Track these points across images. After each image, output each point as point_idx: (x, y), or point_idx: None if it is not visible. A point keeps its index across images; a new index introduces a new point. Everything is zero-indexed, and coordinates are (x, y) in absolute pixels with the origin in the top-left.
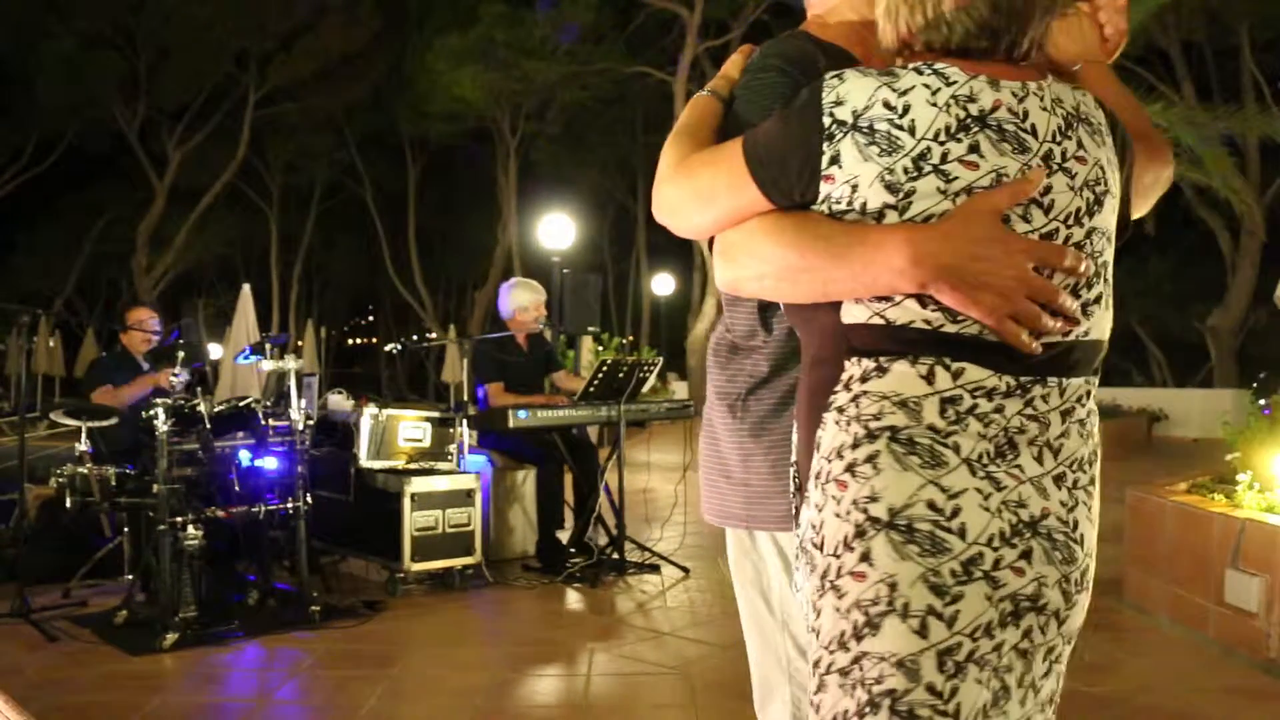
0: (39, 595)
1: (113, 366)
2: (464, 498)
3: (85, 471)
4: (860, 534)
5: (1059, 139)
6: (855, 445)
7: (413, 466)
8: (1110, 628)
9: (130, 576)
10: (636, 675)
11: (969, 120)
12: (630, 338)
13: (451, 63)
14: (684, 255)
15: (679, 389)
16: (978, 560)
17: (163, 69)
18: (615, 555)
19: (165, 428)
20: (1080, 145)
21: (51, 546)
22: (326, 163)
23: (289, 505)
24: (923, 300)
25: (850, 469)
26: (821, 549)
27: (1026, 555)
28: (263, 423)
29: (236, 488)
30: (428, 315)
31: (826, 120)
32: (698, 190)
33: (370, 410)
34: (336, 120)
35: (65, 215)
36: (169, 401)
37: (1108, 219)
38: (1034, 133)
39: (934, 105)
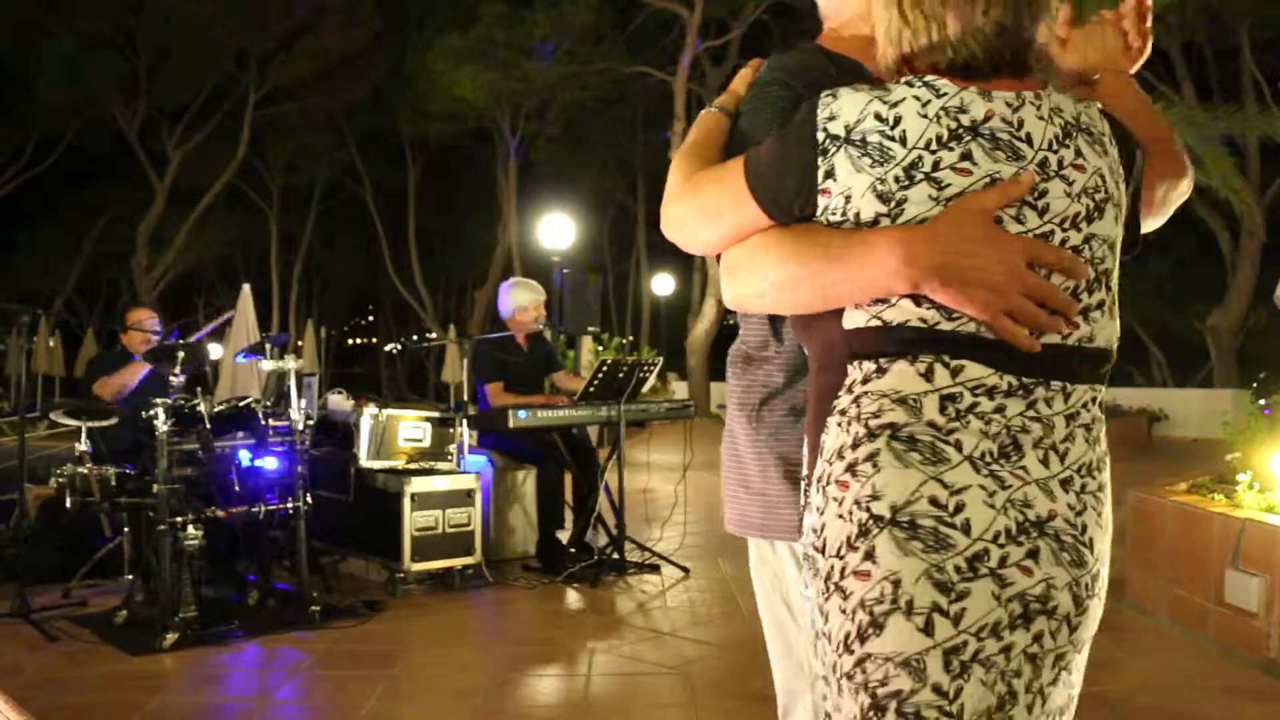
0: (39, 595)
1: (111, 364)
2: (464, 498)
3: (85, 471)
4: (863, 533)
5: (1056, 147)
6: (855, 445)
7: (413, 466)
8: (1110, 627)
9: (130, 576)
10: (636, 675)
11: (960, 130)
12: (630, 338)
13: (451, 63)
14: (684, 255)
15: (679, 389)
16: (983, 557)
17: (163, 69)
18: (615, 555)
19: (165, 428)
20: (1079, 153)
21: (51, 546)
22: (326, 163)
23: (289, 505)
24: (917, 300)
25: (851, 469)
26: (824, 552)
27: (1034, 554)
28: (263, 423)
29: (236, 488)
30: (428, 315)
31: (820, 135)
32: (703, 208)
33: (370, 410)
34: (336, 120)
35: (65, 215)
36: (169, 401)
37: (1109, 227)
38: (1029, 140)
39: (924, 116)
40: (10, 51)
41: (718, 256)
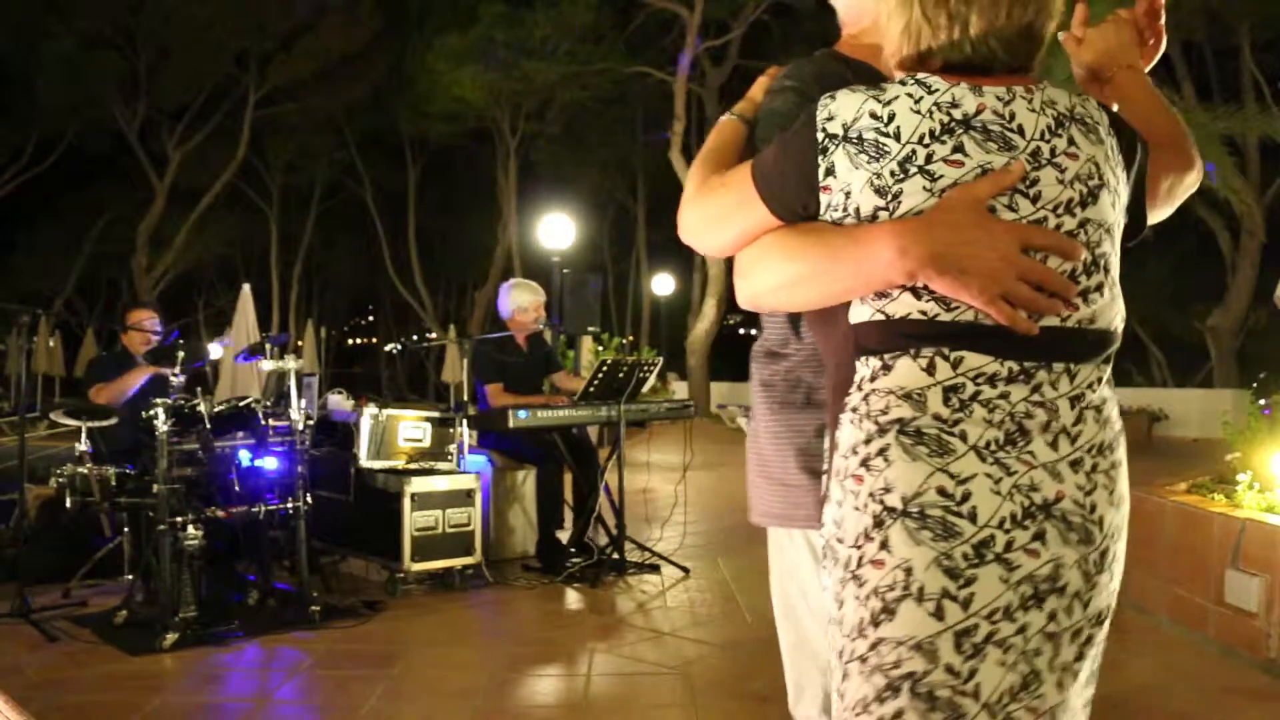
0: (39, 595)
1: (111, 366)
2: (464, 498)
3: (85, 471)
4: (878, 524)
5: (1048, 136)
6: (868, 441)
7: (413, 466)
8: (1110, 628)
9: (130, 576)
10: (636, 675)
11: (952, 123)
12: (630, 338)
13: (451, 63)
14: (684, 255)
15: (679, 389)
16: (989, 543)
17: (163, 69)
18: (615, 555)
19: (165, 428)
20: (1072, 142)
21: (51, 546)
22: (326, 163)
23: (289, 505)
24: (917, 292)
25: (865, 463)
26: (844, 542)
27: (1040, 537)
28: (263, 423)
29: (236, 488)
30: (428, 315)
31: (820, 136)
32: (715, 212)
33: (370, 410)
34: (336, 120)
35: (65, 215)
36: (169, 401)
37: (1103, 212)
38: (1021, 131)
39: (917, 112)
40: (10, 51)
41: (729, 260)
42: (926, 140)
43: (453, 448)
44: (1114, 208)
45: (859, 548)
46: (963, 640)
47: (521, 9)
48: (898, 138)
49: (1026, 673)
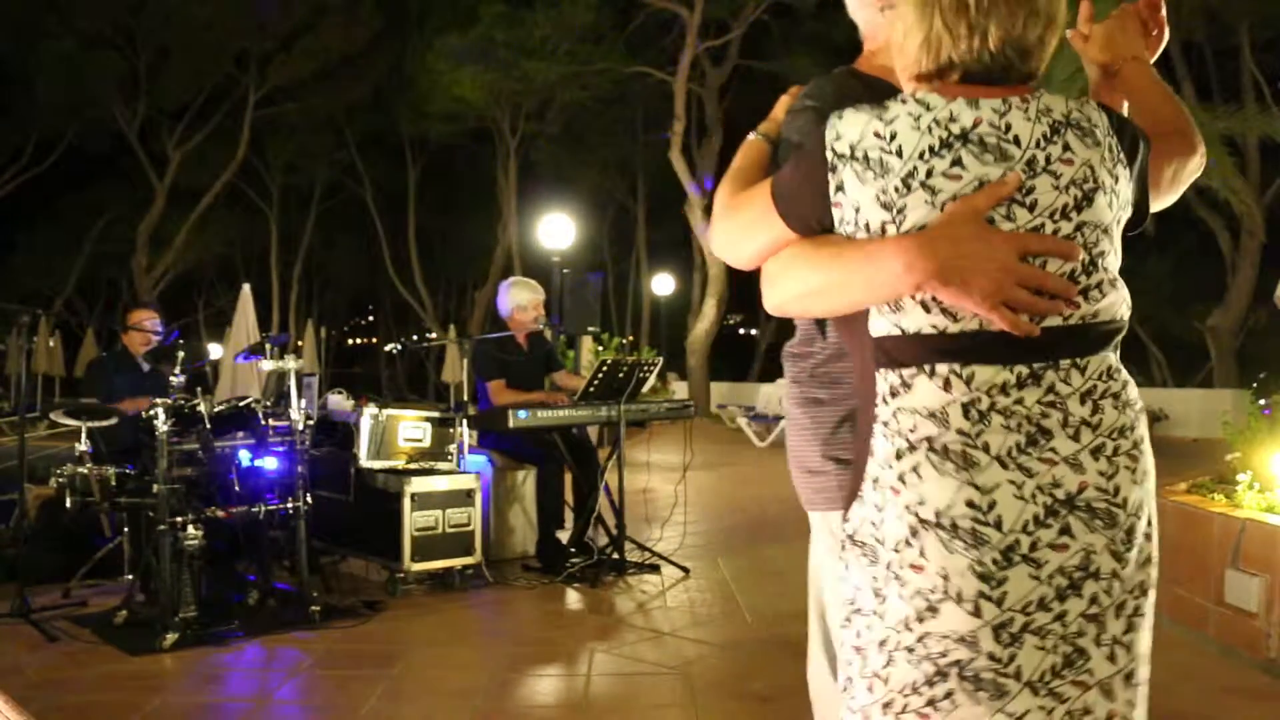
0: (39, 595)
1: (111, 368)
2: (464, 498)
3: (85, 471)
4: (914, 533)
5: (1043, 144)
6: (900, 456)
7: (413, 466)
8: None
9: (130, 576)
10: (636, 675)
11: (951, 138)
12: (630, 338)
13: (451, 63)
14: (684, 255)
15: (679, 389)
16: (1015, 547)
17: (163, 69)
18: (615, 555)
19: (165, 428)
20: (1067, 148)
21: (51, 546)
22: (326, 163)
23: (289, 505)
24: (926, 306)
25: (901, 478)
26: (884, 544)
27: (1065, 531)
28: (263, 423)
29: (236, 488)
30: (428, 315)
31: (829, 155)
32: (741, 227)
33: (370, 410)
34: (336, 120)
35: (65, 215)
36: (169, 401)
37: (1100, 213)
38: (1016, 141)
39: (917, 130)
40: (10, 51)
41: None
42: (926, 156)
43: (453, 448)
44: (1111, 208)
45: (898, 551)
46: (1000, 632)
47: (521, 9)
48: (900, 155)
49: (1069, 651)
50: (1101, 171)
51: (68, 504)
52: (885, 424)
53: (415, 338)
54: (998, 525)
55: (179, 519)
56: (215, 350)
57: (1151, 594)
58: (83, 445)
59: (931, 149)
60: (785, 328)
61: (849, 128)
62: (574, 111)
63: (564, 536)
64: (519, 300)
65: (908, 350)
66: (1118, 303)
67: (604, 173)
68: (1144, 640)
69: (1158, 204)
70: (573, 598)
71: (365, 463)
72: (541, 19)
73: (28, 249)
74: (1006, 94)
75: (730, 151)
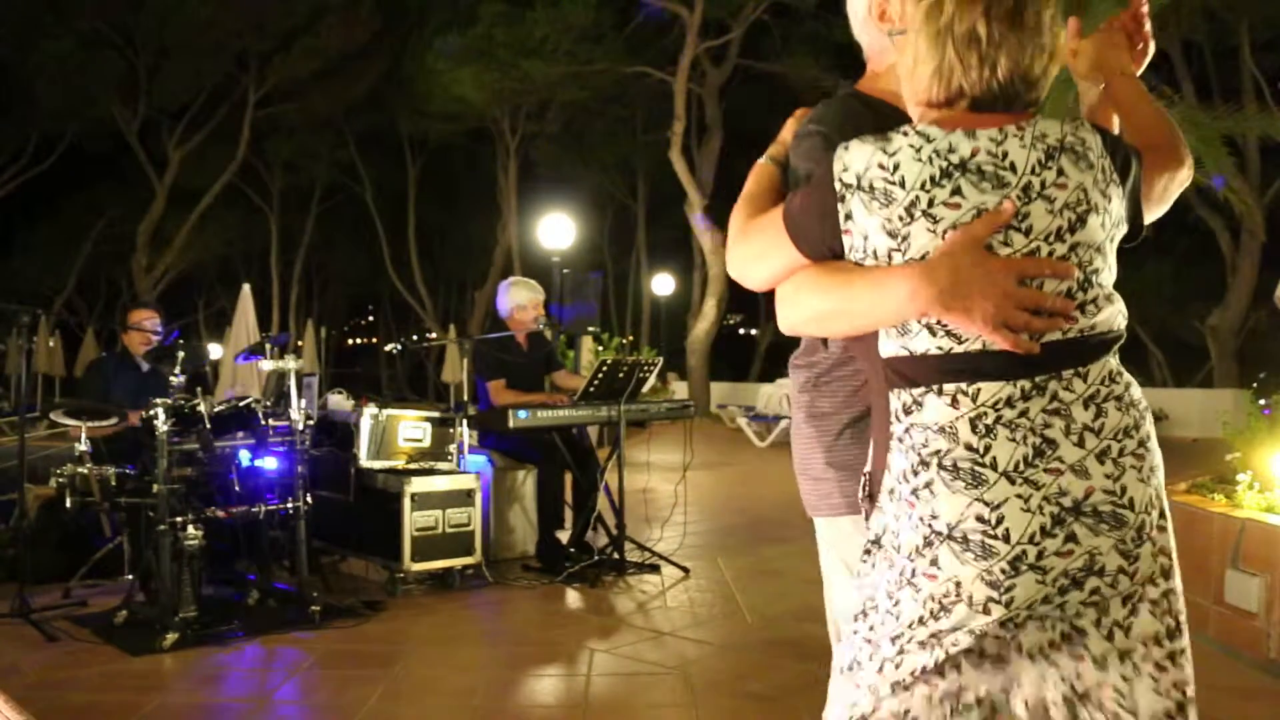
0: (39, 595)
1: (109, 371)
2: (464, 498)
3: (85, 471)
4: (928, 544)
5: (1039, 170)
6: (914, 472)
7: (413, 466)
8: None
9: (130, 576)
10: (636, 675)
11: (950, 168)
12: (630, 338)
13: (451, 62)
14: (684, 255)
15: (679, 389)
16: (1022, 557)
17: (162, 69)
18: (615, 555)
19: (165, 428)
20: (1061, 173)
21: (51, 546)
22: (326, 162)
23: (289, 505)
24: (932, 329)
25: (915, 492)
26: (900, 551)
27: (1071, 538)
28: (263, 423)
29: (236, 488)
30: (428, 315)
31: (838, 186)
32: (755, 252)
33: (370, 410)
34: (336, 120)
35: (65, 215)
36: (169, 401)
37: (1093, 234)
38: (1013, 168)
39: (919, 160)
40: (10, 51)
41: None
42: (928, 186)
43: (453, 448)
44: (1103, 227)
45: (912, 560)
46: (1007, 624)
47: (521, 8)
48: (903, 185)
49: (1067, 630)
50: (1094, 193)
51: (68, 504)
52: (900, 440)
53: (415, 337)
54: (1005, 538)
55: (179, 519)
56: (215, 350)
57: (1165, 583)
58: (82, 445)
59: (932, 179)
60: None
61: (855, 159)
62: (574, 111)
63: (564, 537)
64: (519, 300)
65: (917, 370)
66: (1114, 315)
67: (604, 173)
68: (1145, 628)
69: (1150, 215)
70: (573, 598)
71: (365, 463)
72: (541, 18)
73: (28, 249)
74: (1005, 122)
75: (730, 151)
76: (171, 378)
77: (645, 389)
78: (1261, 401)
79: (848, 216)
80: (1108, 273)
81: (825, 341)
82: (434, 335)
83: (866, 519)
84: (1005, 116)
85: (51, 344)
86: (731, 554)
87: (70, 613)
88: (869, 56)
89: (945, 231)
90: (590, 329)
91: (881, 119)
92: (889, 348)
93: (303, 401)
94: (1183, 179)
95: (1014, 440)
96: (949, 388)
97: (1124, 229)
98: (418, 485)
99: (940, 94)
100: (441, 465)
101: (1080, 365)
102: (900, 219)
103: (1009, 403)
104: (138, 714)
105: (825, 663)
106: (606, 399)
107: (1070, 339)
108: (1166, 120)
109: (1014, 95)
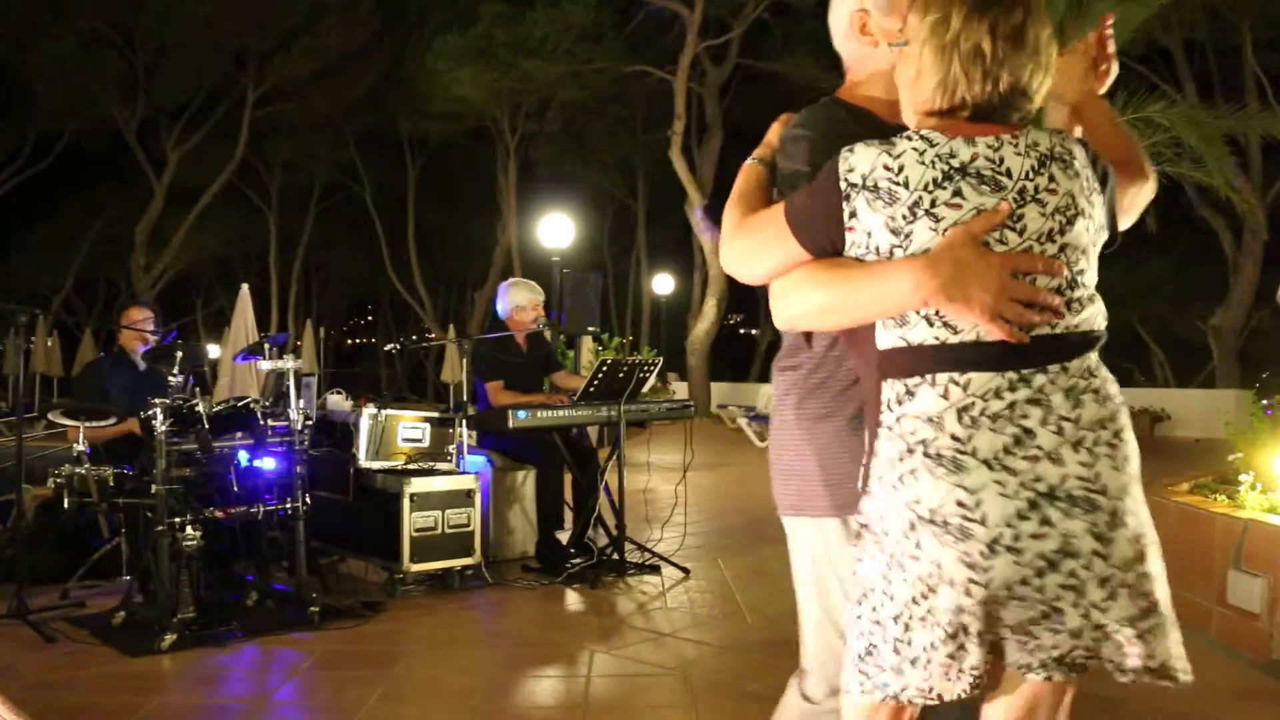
0: (37, 596)
1: (105, 371)
2: (463, 498)
3: (83, 472)
4: (912, 527)
5: (1032, 176)
6: (900, 459)
7: (412, 467)
8: None
9: (128, 577)
10: (636, 676)
11: (951, 171)
12: (630, 338)
13: (451, 62)
14: (684, 255)
15: (679, 389)
16: (999, 539)
17: (161, 68)
18: (615, 556)
19: (164, 428)
20: (1052, 179)
21: (49, 547)
22: (325, 162)
23: (288, 506)
24: (930, 320)
25: (901, 478)
26: (889, 535)
27: (1045, 522)
28: (261, 423)
29: (235, 488)
30: (427, 315)
31: (843, 185)
32: (754, 247)
33: (369, 410)
34: (336, 120)
35: (63, 215)
36: (167, 402)
37: (1079, 237)
38: (1009, 174)
39: (922, 164)
40: (9, 51)
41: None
42: (931, 187)
43: (452, 448)
44: (1089, 231)
45: (899, 543)
46: (989, 603)
47: (521, 8)
48: (907, 186)
49: (1045, 609)
50: (1081, 199)
51: (65, 504)
52: (889, 429)
53: (415, 337)
54: (983, 521)
55: (177, 519)
56: (214, 350)
57: (1142, 566)
58: (80, 445)
59: (935, 181)
60: None
61: (860, 160)
62: (574, 110)
63: (564, 537)
64: (518, 300)
65: (912, 360)
66: (1096, 314)
67: (604, 172)
68: (1121, 610)
69: (1123, 225)
70: (572, 598)
71: (364, 463)
72: (541, 18)
73: (26, 248)
74: (1000, 132)
75: (730, 150)
76: (170, 377)
77: (645, 389)
78: (1264, 402)
79: (852, 214)
80: (1091, 274)
81: (809, 341)
82: (433, 335)
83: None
84: (1001, 126)
85: (49, 344)
86: (731, 554)
87: (68, 614)
88: (848, 67)
89: (945, 230)
90: (590, 329)
91: (861, 124)
92: (886, 339)
93: (301, 402)
94: (1148, 192)
95: (995, 430)
96: (941, 378)
97: (1105, 235)
98: (417, 486)
99: (943, 104)
100: (441, 465)
101: (1065, 360)
102: (904, 217)
103: (997, 394)
104: (136, 715)
105: None
106: (606, 399)
107: (1057, 334)
108: (1130, 138)
109: (1011, 108)
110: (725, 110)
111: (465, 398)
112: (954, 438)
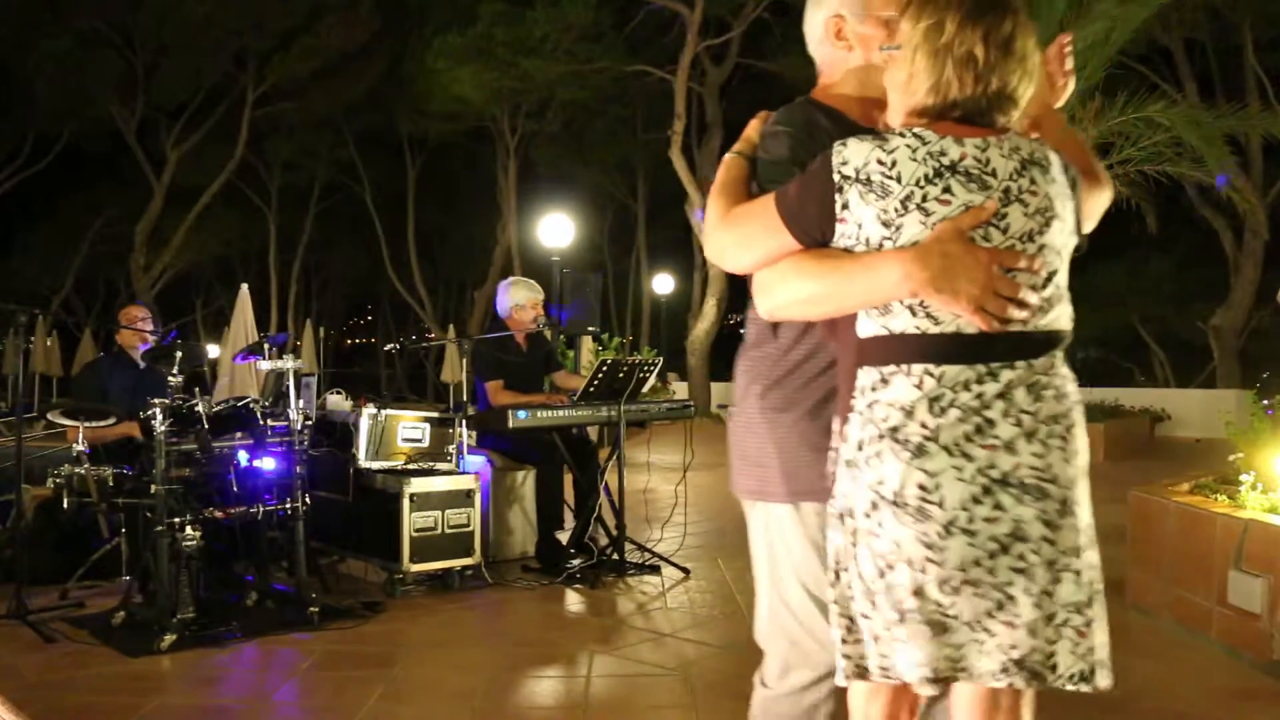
0: (36, 596)
1: (105, 371)
2: (463, 498)
3: (83, 472)
4: (875, 507)
5: (1015, 177)
6: (869, 442)
7: (412, 467)
8: (1112, 629)
9: (128, 577)
10: (636, 676)
11: (942, 169)
12: (630, 338)
13: (451, 61)
14: (684, 255)
15: (679, 389)
16: (955, 521)
17: (161, 68)
18: (615, 556)
19: (163, 428)
20: (1033, 182)
21: (49, 547)
22: (325, 162)
23: (287, 506)
24: (913, 310)
25: (867, 460)
26: (853, 515)
27: (998, 506)
28: (261, 423)
29: (235, 488)
30: (427, 315)
31: (836, 177)
32: (741, 238)
33: (369, 410)
34: (335, 119)
35: (63, 214)
36: (167, 402)
37: (1055, 237)
38: (994, 174)
39: (914, 160)
40: (8, 51)
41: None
42: (922, 183)
43: (452, 448)
44: (1063, 233)
45: (862, 522)
46: (944, 585)
47: (521, 7)
48: (899, 180)
49: (1000, 598)
50: (1057, 203)
51: (65, 505)
52: (861, 414)
53: (414, 337)
54: (941, 504)
55: (177, 520)
56: (213, 350)
57: (1087, 556)
58: (80, 446)
59: (926, 177)
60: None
61: (854, 154)
62: (574, 110)
63: (564, 537)
64: (518, 299)
65: (891, 349)
66: (1063, 315)
67: (604, 172)
68: (1067, 593)
69: (1085, 229)
70: (572, 599)
71: (364, 463)
72: (541, 17)
73: (25, 248)
74: (986, 134)
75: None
76: (170, 377)
77: (645, 389)
78: (1265, 402)
79: (844, 205)
80: (1062, 275)
81: (775, 333)
82: (433, 335)
83: (832, 489)
84: (986, 130)
85: (49, 344)
86: (731, 554)
87: (68, 614)
88: (822, 70)
89: (934, 224)
90: (590, 329)
91: (835, 122)
92: (868, 328)
93: (301, 402)
94: (1105, 199)
95: (961, 420)
96: (917, 369)
97: (1075, 239)
98: (417, 486)
99: (935, 105)
100: (441, 466)
101: (1033, 357)
102: (895, 210)
103: (966, 386)
104: (136, 715)
105: None
106: (606, 399)
107: (1029, 331)
108: (1087, 149)
109: (998, 111)
110: (725, 110)
111: (465, 398)
112: (923, 425)
